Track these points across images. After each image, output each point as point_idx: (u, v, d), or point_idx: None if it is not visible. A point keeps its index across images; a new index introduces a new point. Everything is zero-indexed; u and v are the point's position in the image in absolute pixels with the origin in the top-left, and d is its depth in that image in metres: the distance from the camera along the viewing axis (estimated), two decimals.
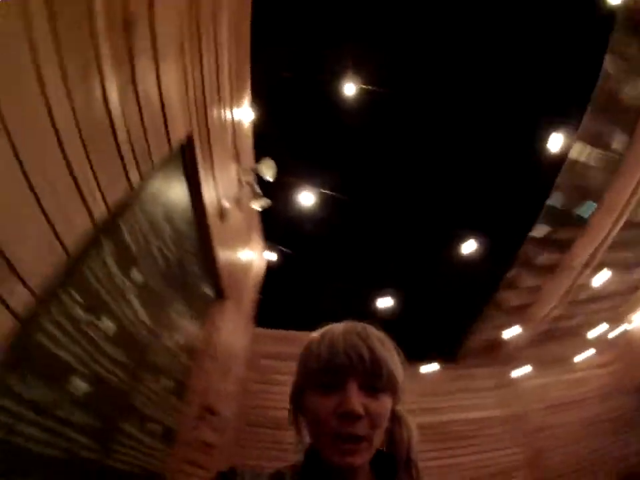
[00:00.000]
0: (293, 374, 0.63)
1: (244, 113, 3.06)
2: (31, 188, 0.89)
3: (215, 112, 2.30)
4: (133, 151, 1.35)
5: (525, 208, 4.67)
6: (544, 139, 3.12)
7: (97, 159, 1.14)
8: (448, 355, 5.62)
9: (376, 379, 0.53)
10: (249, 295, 4.34)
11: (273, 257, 4.86)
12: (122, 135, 1.26)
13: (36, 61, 0.85)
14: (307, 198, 3.85)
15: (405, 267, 6.46)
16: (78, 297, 1.17)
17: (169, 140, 1.66)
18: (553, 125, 3.11)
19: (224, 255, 2.88)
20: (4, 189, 0.82)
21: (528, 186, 5.26)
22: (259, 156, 3.50)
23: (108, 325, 1.35)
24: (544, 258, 4.65)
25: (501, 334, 5.07)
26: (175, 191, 1.99)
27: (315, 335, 0.60)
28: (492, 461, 4.97)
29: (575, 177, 3.89)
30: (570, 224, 4.34)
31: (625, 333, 5.77)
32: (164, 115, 1.57)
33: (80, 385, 1.15)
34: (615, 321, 5.62)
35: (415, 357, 5.43)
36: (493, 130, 5.41)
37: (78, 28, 0.98)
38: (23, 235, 0.88)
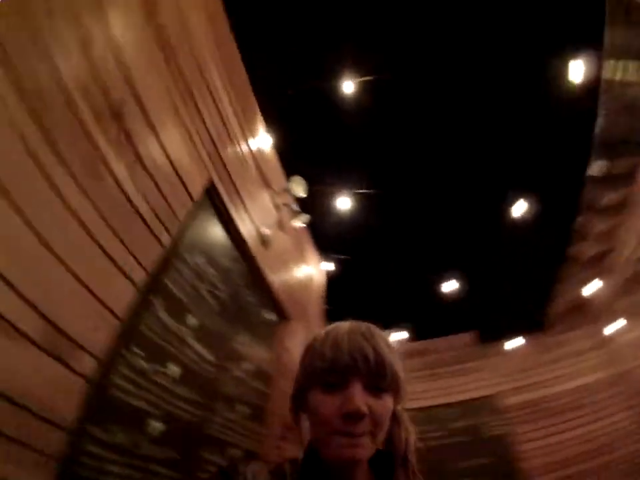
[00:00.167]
0: None
1: (262, 141, 3.18)
2: (76, 277, 1.10)
3: (230, 151, 2.48)
4: (156, 216, 1.56)
5: (574, 151, 4.01)
6: (567, 71, 2.67)
7: (126, 235, 1.35)
8: (533, 325, 5.08)
9: (380, 379, 0.53)
10: (314, 309, 4.46)
11: (330, 267, 4.95)
12: (142, 207, 1.47)
13: (44, 172, 1.06)
14: (344, 202, 3.88)
15: (465, 248, 6.01)
16: (140, 352, 1.37)
17: (189, 195, 1.86)
18: (574, 52, 2.65)
19: (277, 278, 3.05)
20: (53, 283, 1.03)
21: (570, 127, 4.48)
22: (290, 173, 3.62)
23: (173, 369, 1.56)
24: (610, 197, 3.95)
25: (584, 291, 4.45)
26: (211, 234, 2.20)
27: (319, 333, 0.60)
28: (600, 432, 4.30)
29: (616, 98, 3.24)
30: (627, 151, 3.61)
31: None
32: (178, 175, 1.77)
33: (155, 425, 1.35)
34: None
35: (495, 335, 5.00)
36: (514, 80, 4.77)
37: (70, 126, 1.17)
38: (76, 314, 1.09)
